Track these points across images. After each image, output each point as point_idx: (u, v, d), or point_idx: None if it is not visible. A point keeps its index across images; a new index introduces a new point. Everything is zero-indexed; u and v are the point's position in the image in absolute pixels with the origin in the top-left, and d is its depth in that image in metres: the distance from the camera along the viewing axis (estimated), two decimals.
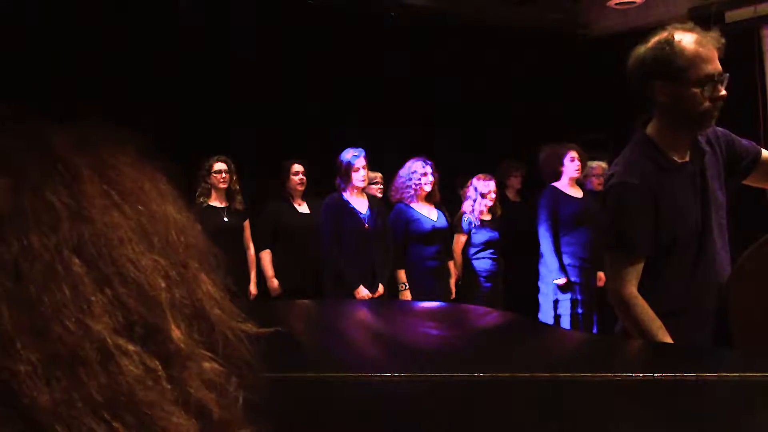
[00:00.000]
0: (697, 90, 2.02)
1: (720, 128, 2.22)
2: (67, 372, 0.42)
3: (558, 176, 5.21)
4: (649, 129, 2.18)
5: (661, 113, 2.14)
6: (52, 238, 0.44)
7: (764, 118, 5.40)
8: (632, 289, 2.07)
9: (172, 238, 0.51)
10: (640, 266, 2.08)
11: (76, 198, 0.47)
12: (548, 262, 5.04)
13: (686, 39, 2.04)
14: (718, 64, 2.04)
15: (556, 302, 5.00)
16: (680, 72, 2.03)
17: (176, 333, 0.47)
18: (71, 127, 0.52)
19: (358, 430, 1.20)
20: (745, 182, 2.27)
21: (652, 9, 6.18)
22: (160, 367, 0.45)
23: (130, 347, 0.45)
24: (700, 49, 2.03)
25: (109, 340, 0.44)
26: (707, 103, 2.03)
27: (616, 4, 6.33)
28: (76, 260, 0.45)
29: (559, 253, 5.00)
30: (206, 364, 0.49)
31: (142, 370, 0.44)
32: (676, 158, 2.13)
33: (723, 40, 2.07)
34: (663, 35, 2.07)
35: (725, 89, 2.05)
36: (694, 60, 2.02)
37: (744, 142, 2.24)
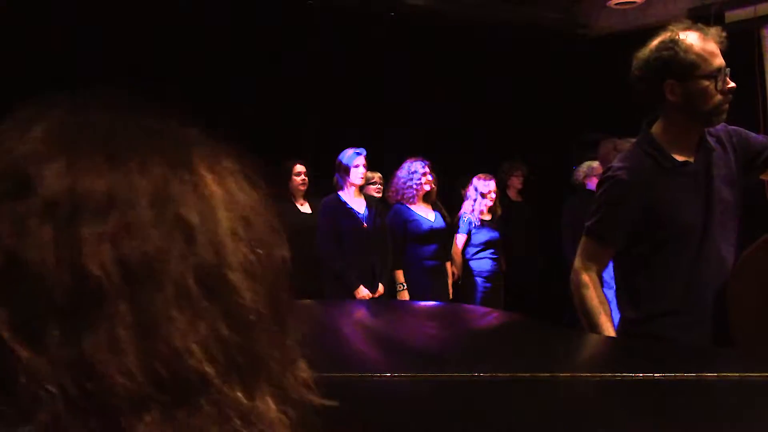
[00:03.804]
0: (708, 83, 2.05)
1: (733, 126, 2.22)
2: (171, 401, 0.41)
3: None
4: (654, 128, 2.18)
5: (671, 113, 2.14)
6: (189, 260, 0.43)
7: (764, 118, 5.40)
8: (592, 274, 2.19)
9: (281, 284, 0.50)
10: (606, 257, 2.22)
11: (209, 223, 0.45)
12: None
13: (690, 36, 2.07)
14: (722, 58, 2.08)
15: None
16: (691, 68, 2.05)
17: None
18: (206, 142, 0.51)
19: (358, 430, 1.20)
20: (763, 177, 2.28)
21: (652, 9, 6.18)
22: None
23: (236, 391, 0.44)
24: (705, 44, 2.07)
25: (216, 378, 0.43)
26: (718, 96, 2.06)
27: (616, 4, 6.33)
28: (195, 286, 0.43)
29: None
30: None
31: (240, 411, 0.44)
32: (678, 158, 2.13)
33: (724, 34, 2.12)
34: (666, 36, 2.10)
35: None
36: (703, 55, 2.05)
37: (759, 137, 2.24)
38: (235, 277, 0.45)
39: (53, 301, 0.40)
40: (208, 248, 0.44)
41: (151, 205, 0.44)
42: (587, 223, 2.22)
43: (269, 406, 0.46)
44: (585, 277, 2.18)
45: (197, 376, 0.42)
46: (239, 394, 0.44)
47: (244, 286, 0.46)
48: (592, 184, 5.64)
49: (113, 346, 0.40)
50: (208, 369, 0.42)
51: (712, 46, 2.07)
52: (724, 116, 2.12)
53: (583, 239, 2.24)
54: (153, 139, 0.48)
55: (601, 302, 2.17)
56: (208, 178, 0.48)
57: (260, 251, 0.48)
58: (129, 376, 0.40)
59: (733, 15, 5.68)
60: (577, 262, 2.22)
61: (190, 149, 0.49)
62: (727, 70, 2.08)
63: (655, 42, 2.11)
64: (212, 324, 0.43)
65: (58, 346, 0.39)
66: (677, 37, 2.07)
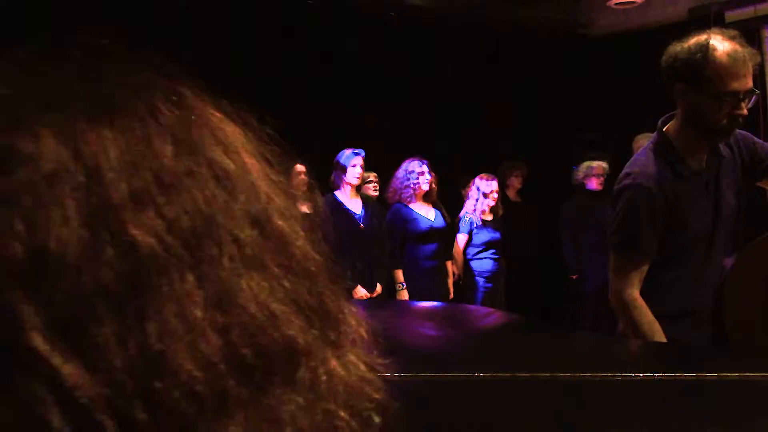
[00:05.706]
0: (714, 102, 1.97)
1: (741, 131, 2.18)
2: (259, 388, 0.32)
3: None
4: (670, 129, 2.15)
5: (681, 115, 2.12)
6: (234, 210, 0.34)
7: (764, 118, 5.40)
8: (635, 291, 2.07)
9: (299, 257, 0.39)
10: (644, 269, 2.08)
11: (239, 166, 0.37)
12: None
13: (721, 49, 1.97)
14: (749, 81, 1.98)
15: None
16: (704, 81, 1.98)
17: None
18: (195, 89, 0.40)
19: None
20: (760, 184, 2.26)
21: (652, 9, 6.18)
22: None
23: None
24: (732, 63, 1.96)
25: (305, 343, 0.34)
26: (723, 120, 1.99)
27: (616, 4, 6.33)
28: (251, 238, 0.34)
29: None
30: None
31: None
32: (693, 164, 2.11)
33: (759, 59, 2.02)
34: (701, 38, 2.01)
35: (751, 106, 2.00)
36: (721, 73, 1.96)
37: (767, 146, 2.21)
38: (284, 223, 0.37)
39: (96, 291, 0.30)
40: (248, 194, 0.36)
41: (175, 153, 0.35)
42: (616, 240, 2.11)
43: (357, 361, 0.39)
44: (628, 297, 2.06)
45: (284, 345, 0.33)
46: (330, 358, 0.36)
47: (294, 232, 0.38)
48: (592, 184, 5.64)
49: (186, 329, 0.31)
50: (294, 333, 0.34)
51: (739, 67, 1.95)
52: (728, 137, 2.07)
53: (614, 258, 2.12)
54: (145, 83, 0.39)
55: (651, 321, 2.04)
56: (217, 116, 0.39)
57: (292, 192, 0.41)
58: (208, 365, 0.31)
59: (733, 15, 5.67)
60: (616, 283, 2.09)
61: (188, 89, 0.40)
62: (754, 93, 1.98)
63: (689, 41, 2.03)
64: (281, 281, 0.35)
65: (109, 348, 0.29)
66: (707, 44, 1.98)
